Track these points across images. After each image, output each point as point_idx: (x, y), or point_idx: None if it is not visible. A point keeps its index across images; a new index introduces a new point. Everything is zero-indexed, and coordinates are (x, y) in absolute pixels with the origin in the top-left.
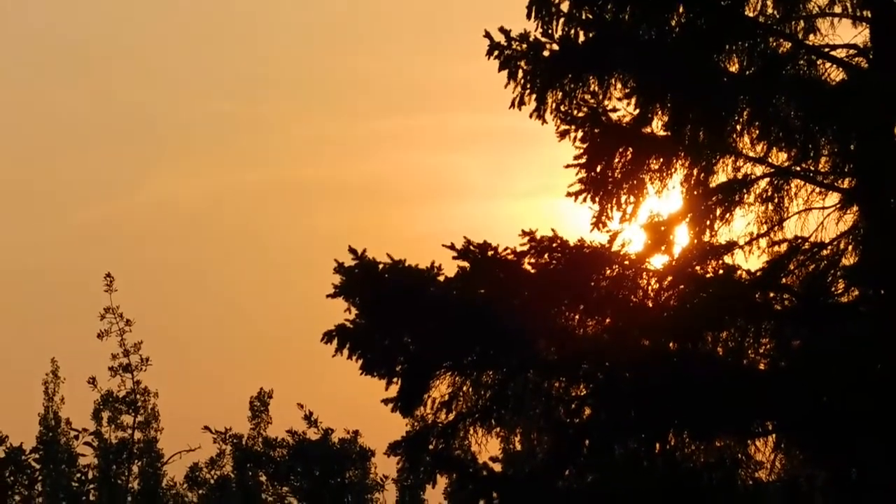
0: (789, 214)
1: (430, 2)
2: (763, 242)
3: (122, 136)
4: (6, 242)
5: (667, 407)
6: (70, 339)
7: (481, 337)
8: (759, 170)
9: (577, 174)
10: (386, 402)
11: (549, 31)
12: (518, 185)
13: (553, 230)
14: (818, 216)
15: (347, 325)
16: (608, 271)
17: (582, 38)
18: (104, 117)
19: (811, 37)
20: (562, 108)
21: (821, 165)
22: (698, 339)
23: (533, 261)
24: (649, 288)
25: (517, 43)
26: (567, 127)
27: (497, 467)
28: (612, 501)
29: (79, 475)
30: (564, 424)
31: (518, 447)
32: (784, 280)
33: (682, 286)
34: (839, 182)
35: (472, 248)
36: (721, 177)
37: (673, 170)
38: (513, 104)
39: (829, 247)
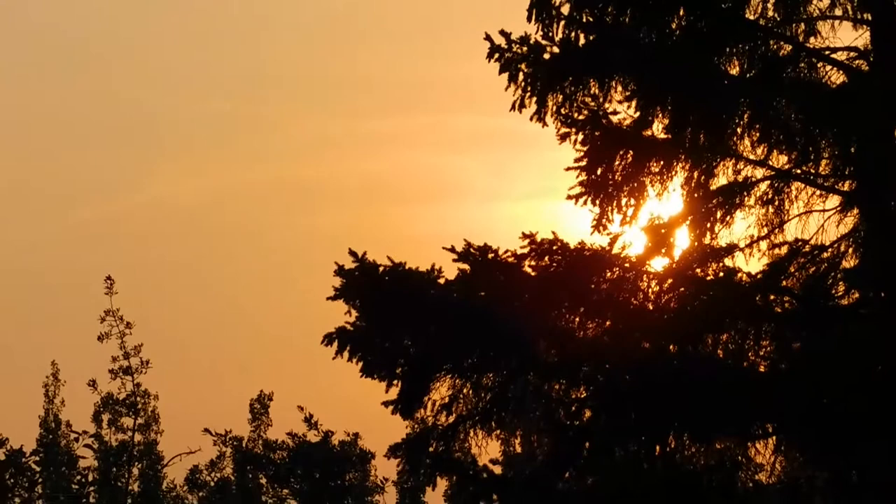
0: (790, 217)
1: (430, 2)
2: (763, 245)
3: (122, 136)
4: (6, 242)
5: (667, 409)
6: (70, 341)
7: (481, 339)
8: (759, 172)
9: (577, 177)
10: (386, 404)
11: (550, 34)
12: (518, 188)
13: (553, 233)
14: (818, 219)
15: (348, 327)
16: (608, 274)
17: (582, 40)
18: (104, 117)
19: (812, 39)
20: (562, 111)
21: (821, 168)
22: (699, 341)
23: (533, 263)
24: (650, 290)
25: (517, 46)
26: (567, 130)
27: (497, 469)
28: None
29: (79, 477)
30: (564, 427)
31: (518, 449)
32: (784, 283)
33: (682, 289)
34: (840, 185)
35: (472, 250)
36: (721, 179)
37: (673, 172)
38: (513, 107)
39: (830, 249)
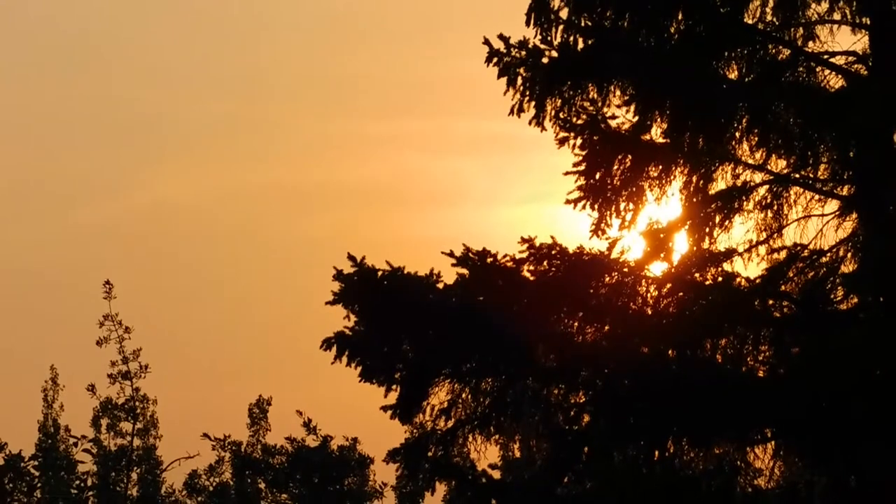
0: (788, 222)
1: (430, 3)
2: (762, 250)
3: (122, 136)
4: (6, 243)
5: (666, 414)
6: (69, 346)
7: (480, 344)
8: (758, 177)
9: (576, 181)
10: (385, 409)
11: (549, 38)
12: (517, 192)
13: (552, 237)
14: (817, 223)
15: (346, 332)
16: (607, 278)
17: (581, 45)
18: (104, 117)
19: (810, 44)
20: (561, 116)
21: (820, 172)
22: (697, 346)
23: (532, 268)
24: (648, 295)
25: (516, 50)
26: (566, 134)
27: (496, 474)
28: None
29: (78, 482)
30: (563, 431)
31: (517, 454)
32: (783, 287)
33: (681, 293)
34: (838, 189)
35: (471, 255)
36: (720, 184)
37: (672, 177)
38: (512, 111)
39: (829, 254)
